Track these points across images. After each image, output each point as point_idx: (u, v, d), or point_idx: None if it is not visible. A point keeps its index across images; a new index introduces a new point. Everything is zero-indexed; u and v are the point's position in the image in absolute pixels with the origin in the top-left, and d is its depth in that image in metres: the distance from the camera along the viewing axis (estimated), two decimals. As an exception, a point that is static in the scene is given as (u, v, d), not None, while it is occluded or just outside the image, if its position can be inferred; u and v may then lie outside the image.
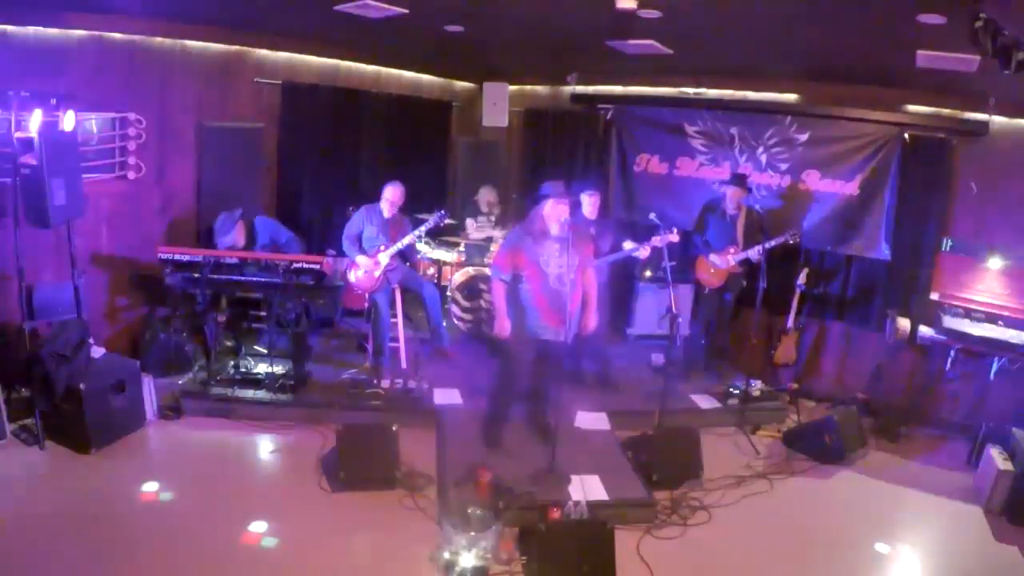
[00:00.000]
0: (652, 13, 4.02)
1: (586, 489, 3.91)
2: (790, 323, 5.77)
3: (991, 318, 5.08)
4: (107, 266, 5.23)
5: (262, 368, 5.17)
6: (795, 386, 5.77)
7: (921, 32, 3.64)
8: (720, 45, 4.98)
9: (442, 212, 5.28)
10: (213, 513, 3.68)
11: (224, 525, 3.58)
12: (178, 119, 5.48)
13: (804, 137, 5.94)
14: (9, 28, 4.43)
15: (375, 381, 5.12)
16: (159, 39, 5.24)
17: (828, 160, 5.86)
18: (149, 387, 4.65)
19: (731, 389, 5.44)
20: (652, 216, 5.17)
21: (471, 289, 6.23)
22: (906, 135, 5.53)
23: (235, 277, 4.76)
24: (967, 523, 4.23)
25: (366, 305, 5.54)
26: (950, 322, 5.18)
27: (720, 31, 4.48)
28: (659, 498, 4.06)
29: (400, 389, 5.05)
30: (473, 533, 3.39)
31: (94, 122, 4.97)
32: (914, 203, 5.61)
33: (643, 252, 5.25)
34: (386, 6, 4.38)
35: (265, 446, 4.51)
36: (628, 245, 5.31)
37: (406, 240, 5.23)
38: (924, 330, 5.25)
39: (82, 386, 4.07)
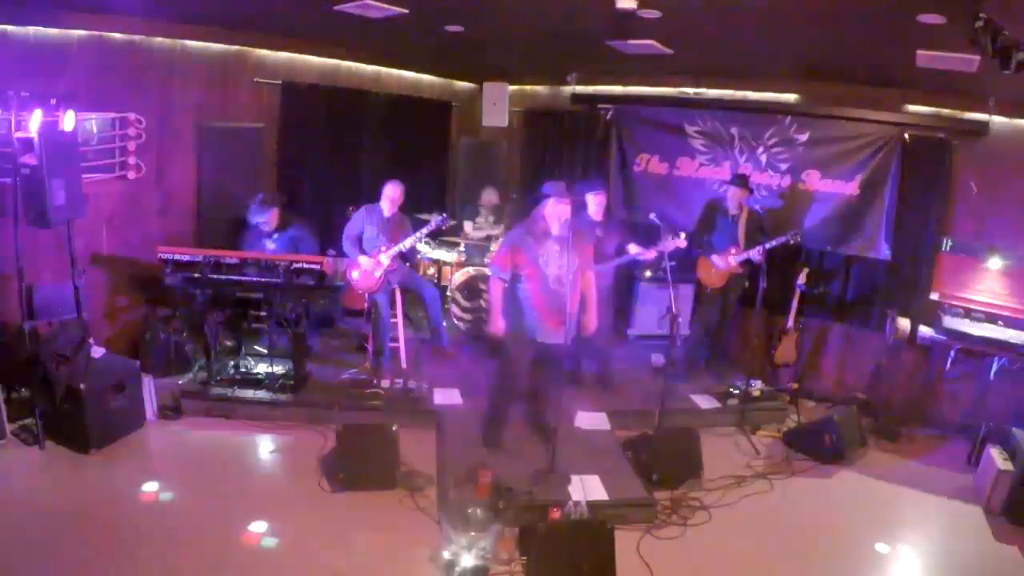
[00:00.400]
0: (652, 13, 4.02)
1: (586, 489, 3.91)
2: (790, 323, 5.76)
3: (991, 318, 5.08)
4: (107, 266, 5.24)
5: (262, 368, 5.17)
6: (795, 386, 5.77)
7: (921, 32, 3.64)
8: (720, 45, 4.97)
9: (444, 216, 5.27)
10: (213, 513, 3.68)
11: (224, 525, 3.58)
12: (178, 119, 5.48)
13: (804, 137, 5.94)
14: (9, 28, 4.44)
15: (375, 381, 5.12)
16: (159, 39, 5.24)
17: (828, 160, 5.86)
18: (149, 387, 4.65)
19: (731, 389, 5.44)
20: (652, 216, 5.15)
21: (471, 289, 6.24)
22: (906, 135, 5.53)
23: (235, 277, 4.75)
24: (967, 523, 4.23)
25: (366, 305, 5.55)
26: (950, 322, 5.18)
27: (720, 31, 4.48)
28: (659, 498, 4.06)
29: (400, 389, 5.06)
30: (473, 533, 3.40)
31: (94, 122, 4.97)
32: (914, 203, 5.61)
33: (648, 257, 5.25)
34: (386, 6, 4.38)
35: (265, 446, 4.51)
36: (633, 249, 5.26)
37: (408, 242, 5.23)
38: (924, 330, 5.26)
39: (82, 386, 4.06)
